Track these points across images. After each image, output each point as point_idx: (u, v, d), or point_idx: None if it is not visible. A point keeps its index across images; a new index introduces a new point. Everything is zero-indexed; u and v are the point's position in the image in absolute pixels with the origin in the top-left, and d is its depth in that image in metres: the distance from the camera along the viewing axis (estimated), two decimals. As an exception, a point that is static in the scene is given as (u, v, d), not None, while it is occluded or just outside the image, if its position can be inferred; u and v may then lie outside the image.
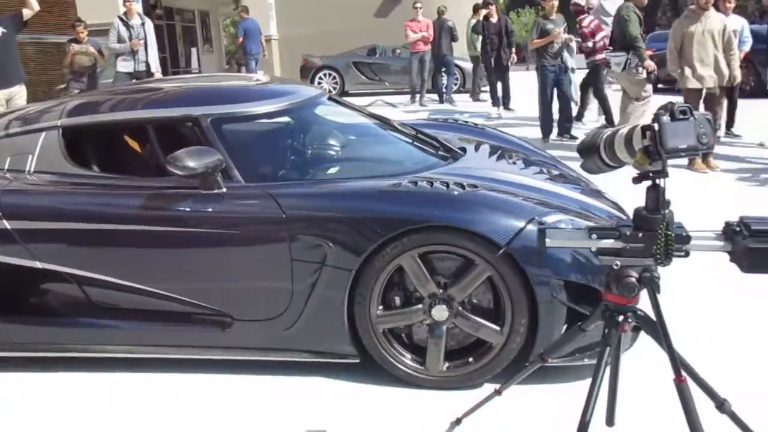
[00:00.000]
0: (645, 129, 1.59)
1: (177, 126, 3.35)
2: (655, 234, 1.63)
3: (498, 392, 2.29)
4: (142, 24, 8.85)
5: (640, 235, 1.65)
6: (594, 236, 1.68)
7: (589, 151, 1.79)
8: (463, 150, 3.51)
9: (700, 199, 5.37)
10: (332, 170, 3.22)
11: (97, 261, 2.92)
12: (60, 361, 3.00)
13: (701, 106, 6.75)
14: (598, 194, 3.31)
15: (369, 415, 2.62)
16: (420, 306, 2.72)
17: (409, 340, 2.82)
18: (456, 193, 2.71)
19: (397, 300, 2.75)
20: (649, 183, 1.66)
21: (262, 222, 2.77)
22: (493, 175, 3.17)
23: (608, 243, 1.68)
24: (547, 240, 1.70)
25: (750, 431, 1.76)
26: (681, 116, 1.55)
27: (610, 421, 1.82)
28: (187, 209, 2.83)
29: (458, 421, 2.49)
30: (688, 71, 6.70)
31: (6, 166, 3.15)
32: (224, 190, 2.82)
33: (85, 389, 2.88)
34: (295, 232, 2.71)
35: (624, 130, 1.69)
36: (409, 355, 2.78)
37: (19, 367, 3.01)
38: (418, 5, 12.66)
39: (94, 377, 2.96)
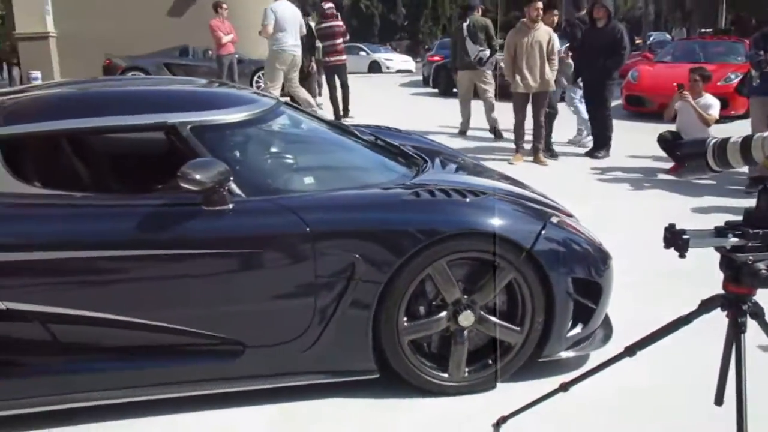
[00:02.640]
0: None
1: (148, 135, 2.95)
2: (776, 231, 1.86)
3: (564, 388, 2.38)
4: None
5: (761, 232, 1.87)
6: (730, 235, 1.86)
7: (694, 157, 1.97)
8: (421, 157, 3.54)
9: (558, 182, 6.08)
10: (314, 181, 3.05)
11: (75, 295, 2.50)
12: (33, 418, 2.49)
13: (529, 108, 7.67)
14: (529, 188, 3.54)
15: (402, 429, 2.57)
16: (444, 314, 2.73)
17: (428, 348, 2.82)
18: (469, 200, 2.77)
19: (422, 309, 2.73)
20: (761, 186, 1.89)
21: (283, 238, 2.58)
22: (475, 181, 3.27)
23: (736, 241, 1.88)
24: (691, 242, 1.84)
25: None
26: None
27: (719, 400, 2.01)
28: (190, 229, 2.54)
29: (501, 422, 2.55)
30: (518, 78, 7.52)
31: None
32: (231, 206, 2.58)
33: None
34: (321, 247, 2.56)
35: (737, 139, 1.89)
36: (430, 364, 2.78)
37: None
38: (224, 6, 12.27)
39: None
